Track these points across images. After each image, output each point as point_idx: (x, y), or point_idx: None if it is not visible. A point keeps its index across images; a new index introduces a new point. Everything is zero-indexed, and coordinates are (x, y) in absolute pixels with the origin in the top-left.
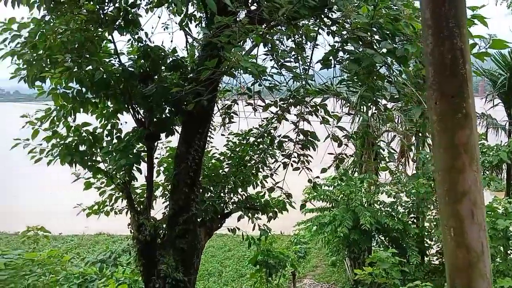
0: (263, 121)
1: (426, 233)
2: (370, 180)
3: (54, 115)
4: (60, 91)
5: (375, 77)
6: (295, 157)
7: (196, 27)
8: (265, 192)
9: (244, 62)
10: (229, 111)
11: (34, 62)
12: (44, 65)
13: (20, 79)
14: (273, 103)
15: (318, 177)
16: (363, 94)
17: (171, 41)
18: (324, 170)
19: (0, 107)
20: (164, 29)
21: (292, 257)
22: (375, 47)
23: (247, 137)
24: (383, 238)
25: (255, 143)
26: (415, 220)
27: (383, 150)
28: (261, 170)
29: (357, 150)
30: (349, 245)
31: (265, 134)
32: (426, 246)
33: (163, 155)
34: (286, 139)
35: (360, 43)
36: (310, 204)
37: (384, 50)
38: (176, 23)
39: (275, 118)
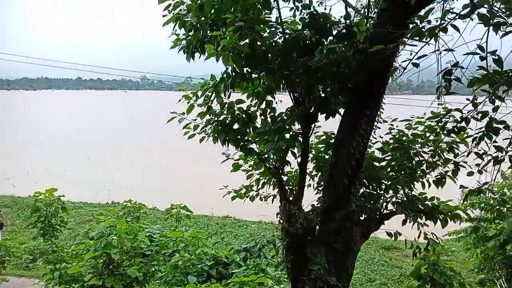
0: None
1: None
2: None
3: (209, 91)
4: (230, 53)
5: None
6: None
7: None
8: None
9: None
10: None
11: (198, 26)
12: (209, 29)
13: (180, 49)
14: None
15: (486, 182)
16: None
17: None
18: (472, 193)
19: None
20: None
21: (463, 276)
22: None
23: (417, 125)
24: None
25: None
26: None
27: None
28: (435, 164)
29: None
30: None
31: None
32: None
33: (312, 141)
34: (502, 125)
35: None
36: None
37: None
38: None
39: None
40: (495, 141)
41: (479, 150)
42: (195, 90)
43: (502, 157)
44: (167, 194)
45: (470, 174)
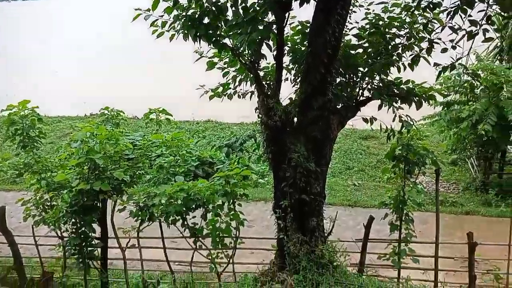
0: None
1: None
2: None
3: None
4: None
5: None
6: (488, 23)
7: None
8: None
9: None
10: None
11: None
12: None
13: None
14: None
15: (460, 58)
16: None
17: None
18: (446, 69)
19: None
20: None
21: (435, 154)
22: None
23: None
24: None
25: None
26: None
27: None
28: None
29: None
30: (482, 143)
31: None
32: None
33: (287, 32)
34: None
35: None
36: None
37: None
38: None
39: None
40: (469, 15)
41: (454, 25)
42: None
43: (476, 31)
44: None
45: (444, 50)
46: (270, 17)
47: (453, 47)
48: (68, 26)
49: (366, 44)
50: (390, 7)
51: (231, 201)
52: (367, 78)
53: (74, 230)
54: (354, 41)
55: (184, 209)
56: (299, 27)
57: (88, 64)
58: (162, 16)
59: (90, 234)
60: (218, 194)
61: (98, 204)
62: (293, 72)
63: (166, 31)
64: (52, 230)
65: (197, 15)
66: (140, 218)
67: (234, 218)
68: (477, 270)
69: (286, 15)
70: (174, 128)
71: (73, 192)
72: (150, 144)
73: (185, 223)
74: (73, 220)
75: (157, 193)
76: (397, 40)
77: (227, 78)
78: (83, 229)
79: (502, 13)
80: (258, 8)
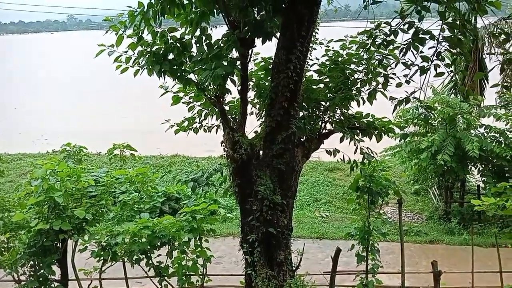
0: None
1: None
2: (474, 101)
3: (137, 20)
4: None
5: None
6: (438, 58)
7: None
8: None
9: None
10: None
11: None
12: None
13: None
14: None
15: (414, 91)
16: None
17: None
18: (401, 103)
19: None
20: None
21: (398, 185)
22: None
23: (351, 45)
24: (483, 166)
25: (363, 45)
26: None
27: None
28: (369, 81)
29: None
30: (442, 173)
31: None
32: None
33: (251, 68)
34: (427, 35)
35: None
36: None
37: None
38: None
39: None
40: (421, 52)
41: (407, 61)
42: (123, 19)
43: (428, 66)
44: (111, 139)
45: (399, 85)
46: (234, 53)
47: (407, 82)
48: (36, 60)
49: (327, 79)
50: (348, 44)
51: (198, 237)
52: (328, 112)
53: (32, 273)
54: (315, 76)
55: (148, 247)
56: (263, 63)
57: (51, 98)
58: (126, 51)
59: (49, 276)
60: (184, 230)
61: (58, 245)
62: (258, 106)
63: (131, 66)
64: (8, 274)
65: (161, 51)
66: (102, 258)
67: (201, 255)
68: None
69: (250, 51)
70: (140, 164)
71: (31, 233)
72: (114, 180)
73: (150, 262)
74: (31, 262)
75: (120, 231)
76: (356, 75)
77: (192, 112)
78: (42, 271)
79: (451, 50)
80: (222, 45)
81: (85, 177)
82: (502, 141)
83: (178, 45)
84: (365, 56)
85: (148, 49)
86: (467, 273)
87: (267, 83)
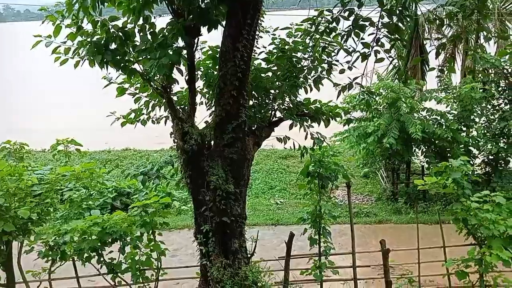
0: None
1: (474, 142)
2: (416, 86)
3: (75, 8)
4: None
5: None
6: (378, 45)
7: None
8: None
9: None
10: None
11: None
12: None
13: None
14: None
15: (356, 77)
16: None
17: None
18: (344, 89)
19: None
20: None
21: (347, 168)
22: None
23: (297, 33)
24: (426, 147)
25: (307, 33)
26: (463, 128)
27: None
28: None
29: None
30: (389, 156)
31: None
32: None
33: (198, 58)
34: (367, 22)
35: None
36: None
37: None
38: None
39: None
40: (362, 38)
41: (349, 48)
42: (61, 9)
43: (369, 53)
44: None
45: (342, 71)
46: (181, 42)
47: (349, 68)
48: None
49: (275, 68)
50: (294, 32)
51: (151, 231)
52: (277, 100)
53: None
54: (263, 64)
55: (99, 244)
56: (210, 52)
57: None
58: (65, 42)
59: None
60: (136, 225)
61: (2, 247)
62: (207, 95)
63: (70, 57)
64: None
65: (103, 41)
66: (50, 258)
67: (155, 249)
68: (393, 276)
69: (196, 40)
70: (87, 159)
71: None
72: (60, 177)
73: (101, 259)
74: None
75: (68, 230)
76: (302, 63)
77: (139, 103)
78: None
79: (390, 36)
80: (167, 34)
81: (28, 175)
82: (443, 123)
83: (121, 34)
84: (310, 44)
85: (89, 39)
86: (413, 250)
87: (215, 72)
